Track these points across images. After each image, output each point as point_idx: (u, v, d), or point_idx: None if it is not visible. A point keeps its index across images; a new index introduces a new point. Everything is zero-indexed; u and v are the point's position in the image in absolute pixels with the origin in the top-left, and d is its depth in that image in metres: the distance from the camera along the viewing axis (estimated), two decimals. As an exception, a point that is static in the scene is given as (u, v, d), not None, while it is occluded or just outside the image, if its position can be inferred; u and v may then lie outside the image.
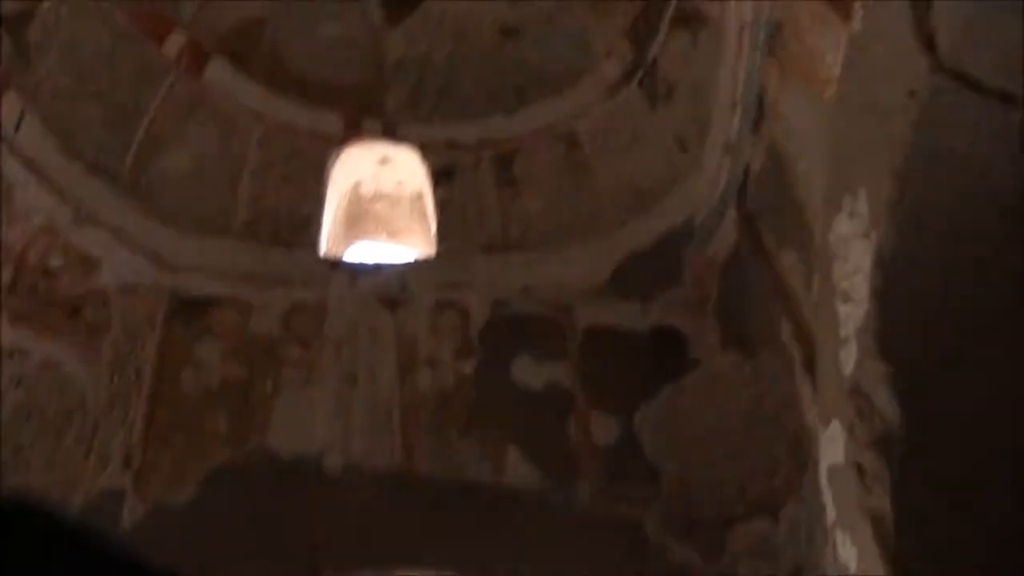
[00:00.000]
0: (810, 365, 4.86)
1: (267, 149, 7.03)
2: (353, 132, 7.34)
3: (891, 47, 2.95)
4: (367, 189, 7.64)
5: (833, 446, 4.17)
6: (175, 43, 6.83)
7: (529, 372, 6.28)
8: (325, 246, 7.02)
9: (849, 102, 3.47)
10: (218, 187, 6.85)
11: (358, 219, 7.61)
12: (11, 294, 5.73)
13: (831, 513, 4.29)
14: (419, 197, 7.54)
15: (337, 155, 7.26)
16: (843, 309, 3.86)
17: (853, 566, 3.92)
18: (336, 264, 6.80)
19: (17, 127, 5.82)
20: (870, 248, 3.53)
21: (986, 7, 2.47)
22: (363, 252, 7.45)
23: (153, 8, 6.74)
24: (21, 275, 5.81)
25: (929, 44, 2.70)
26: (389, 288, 6.60)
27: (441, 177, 7.25)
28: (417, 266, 6.86)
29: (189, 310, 6.24)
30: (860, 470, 3.79)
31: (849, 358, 3.88)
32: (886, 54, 3.01)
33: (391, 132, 7.41)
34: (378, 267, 6.83)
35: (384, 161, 7.50)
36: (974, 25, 2.53)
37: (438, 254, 7.00)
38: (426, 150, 7.34)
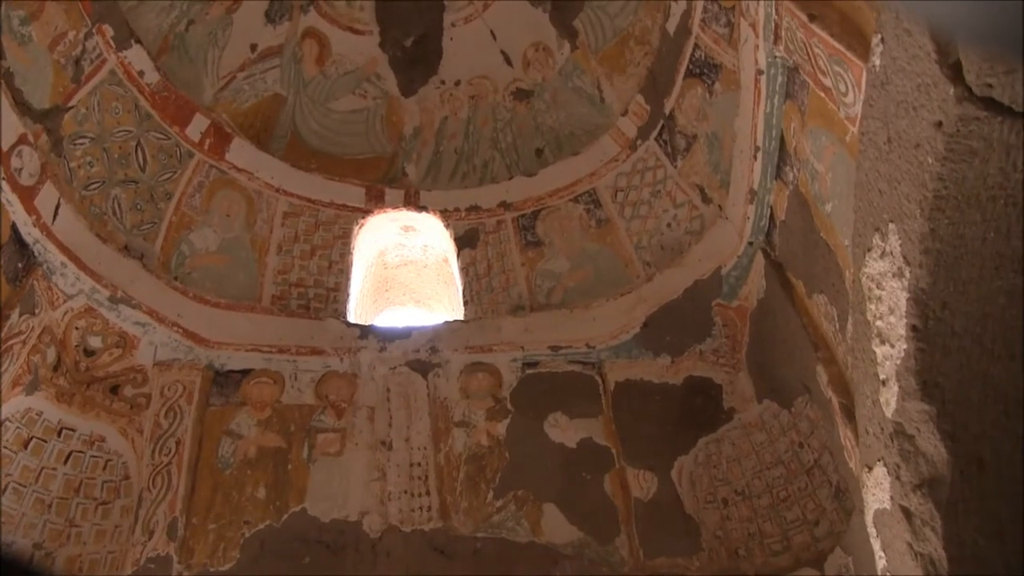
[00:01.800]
0: (849, 410, 4.78)
1: (292, 224, 7.15)
2: (376, 202, 7.44)
3: (914, 80, 2.95)
4: (392, 257, 7.71)
5: (878, 491, 4.07)
6: (198, 126, 7.01)
7: (563, 430, 6.25)
8: (354, 315, 7.07)
9: (873, 139, 3.45)
10: (246, 263, 6.96)
11: (385, 287, 7.67)
12: (55, 374, 5.85)
13: (880, 560, 4.18)
14: (444, 262, 7.59)
15: (361, 225, 7.35)
16: (880, 350, 3.79)
17: (906, 614, 3.80)
18: (366, 331, 6.83)
19: (54, 216, 5.97)
20: (904, 286, 3.47)
21: (1012, 30, 2.48)
22: (391, 320, 7.48)
23: (176, 93, 6.91)
24: (64, 356, 5.94)
25: (955, 73, 2.69)
26: (419, 353, 6.62)
27: (465, 241, 7.31)
28: (446, 330, 6.87)
29: (225, 383, 6.32)
30: (908, 514, 3.68)
31: (890, 400, 3.81)
32: (909, 87, 3.00)
33: (413, 200, 7.51)
34: (407, 333, 6.85)
35: (408, 229, 7.58)
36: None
37: (466, 317, 7.02)
38: (449, 216, 7.42)
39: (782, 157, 5.30)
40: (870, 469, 4.26)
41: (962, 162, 2.87)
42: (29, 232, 5.75)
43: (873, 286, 3.84)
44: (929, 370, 3.57)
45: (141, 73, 6.71)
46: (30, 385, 5.70)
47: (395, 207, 7.49)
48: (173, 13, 6.95)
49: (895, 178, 3.33)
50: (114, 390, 6.11)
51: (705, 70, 6.16)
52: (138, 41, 6.70)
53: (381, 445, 6.15)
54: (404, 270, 7.73)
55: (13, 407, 5.58)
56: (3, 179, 5.52)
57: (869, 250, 3.83)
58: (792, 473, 5.71)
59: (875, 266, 3.77)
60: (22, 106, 5.77)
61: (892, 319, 3.68)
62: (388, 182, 7.58)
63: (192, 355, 6.35)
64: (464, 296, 7.15)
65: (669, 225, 6.80)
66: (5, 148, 5.56)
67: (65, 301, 5.99)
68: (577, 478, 6.02)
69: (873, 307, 3.88)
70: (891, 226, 3.50)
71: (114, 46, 6.51)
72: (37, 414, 5.74)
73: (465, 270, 7.23)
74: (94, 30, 6.33)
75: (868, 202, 3.70)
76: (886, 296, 3.69)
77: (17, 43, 5.73)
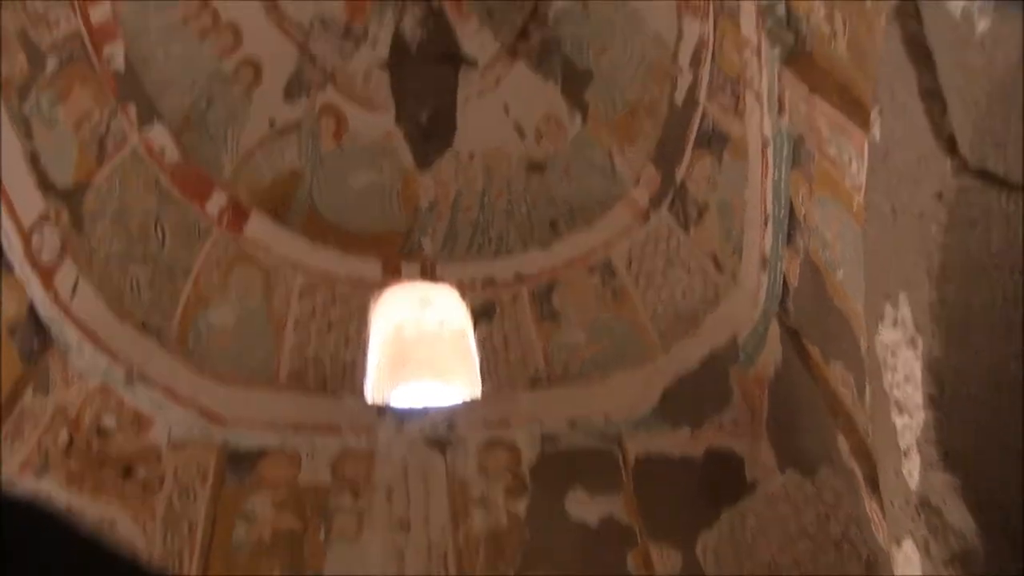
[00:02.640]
0: (873, 480, 4.68)
1: (309, 299, 7.17)
2: (392, 276, 7.47)
3: (913, 152, 2.94)
4: (409, 331, 7.71)
5: (909, 566, 3.96)
6: (217, 202, 7.10)
7: (584, 507, 6.14)
8: (371, 390, 7.04)
9: (878, 209, 3.44)
10: (263, 339, 6.97)
11: (402, 361, 7.65)
12: (66, 456, 5.82)
13: (917, 638, 4.05)
14: (461, 336, 7.58)
15: (378, 300, 7.37)
16: (899, 420, 3.72)
17: None
18: (383, 409, 6.80)
19: (72, 294, 6.02)
20: (918, 355, 3.43)
21: (1000, 102, 2.47)
22: (409, 394, 7.45)
23: (196, 169, 7.03)
24: (76, 437, 5.91)
25: (950, 146, 2.69)
26: (437, 430, 6.58)
27: (481, 315, 7.31)
28: (463, 406, 6.83)
29: (240, 462, 6.26)
30: (940, 589, 3.57)
31: (913, 471, 3.72)
32: (909, 159, 3.00)
33: (429, 273, 7.54)
34: (425, 410, 6.81)
35: (424, 303, 7.60)
36: (992, 121, 2.53)
37: (484, 392, 6.98)
38: (465, 289, 7.43)
39: (792, 225, 5.29)
40: (899, 544, 4.14)
41: (965, 232, 2.84)
42: (47, 310, 5.78)
43: (888, 355, 3.79)
44: (950, 439, 3.50)
45: (162, 150, 6.85)
46: (40, 468, 5.65)
47: (412, 280, 7.52)
48: (195, 91, 7.13)
49: (902, 247, 3.30)
50: (127, 471, 6.01)
51: (714, 139, 6.20)
52: (160, 119, 6.85)
53: (399, 526, 6.06)
54: (421, 343, 7.72)
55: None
56: (24, 258, 5.58)
57: (881, 318, 3.78)
58: (820, 547, 5.56)
59: (888, 335, 3.72)
60: (46, 185, 5.87)
61: (909, 388, 3.62)
62: (405, 255, 7.63)
63: (207, 434, 6.31)
64: (481, 369, 7.11)
65: (684, 294, 6.77)
66: (27, 227, 5.63)
67: (80, 380, 5.98)
68: (600, 557, 5.91)
69: (889, 376, 3.81)
70: (901, 295, 3.46)
71: (137, 124, 6.65)
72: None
73: (482, 343, 7.20)
74: (119, 109, 6.48)
75: (877, 271, 3.68)
76: (901, 365, 3.64)
77: (45, 125, 5.87)
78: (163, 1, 6.82)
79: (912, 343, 3.46)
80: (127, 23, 6.54)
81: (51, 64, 5.85)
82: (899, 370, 3.64)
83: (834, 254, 4.80)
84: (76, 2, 6.05)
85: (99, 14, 6.29)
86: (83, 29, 6.15)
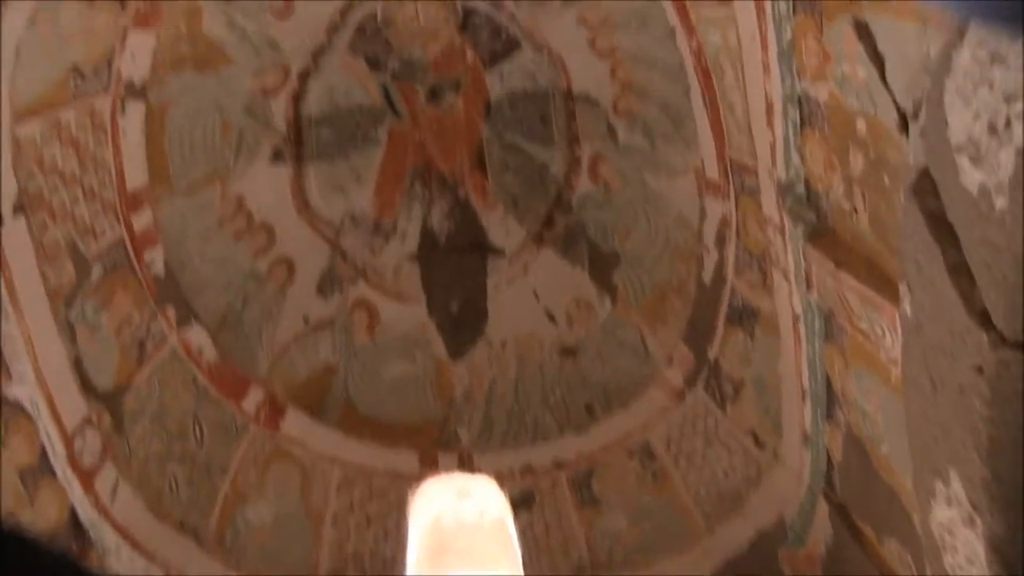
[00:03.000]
0: (942, 667, 4.43)
1: (347, 493, 7.11)
2: (429, 468, 7.40)
3: (946, 326, 2.94)
4: (448, 522, 7.54)
5: None
6: (253, 399, 7.17)
7: None
8: (411, 585, 6.87)
9: (917, 384, 3.40)
10: (301, 536, 6.88)
11: (441, 553, 7.44)
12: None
13: None
14: (501, 526, 7.41)
15: (415, 492, 7.28)
16: (966, 603, 3.56)
17: None
18: (423, 603, 6.60)
19: (112, 496, 6.02)
20: (978, 535, 3.30)
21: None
22: (450, 587, 7.24)
23: (233, 367, 7.13)
24: (112, 644, 5.77)
25: (984, 320, 2.69)
26: (480, 622, 6.35)
27: (521, 504, 7.18)
28: (506, 601, 6.62)
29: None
30: None
31: (983, 654, 3.54)
32: (943, 333, 2.99)
33: (467, 464, 7.47)
34: (465, 608, 6.60)
35: (462, 494, 7.47)
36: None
37: (526, 583, 6.78)
38: (503, 478, 7.31)
39: (830, 399, 5.24)
40: None
41: (1010, 405, 2.80)
42: (87, 514, 5.74)
43: (945, 534, 3.66)
44: (1023, 621, 3.33)
45: (200, 350, 6.96)
46: None
47: (449, 472, 7.44)
48: (230, 291, 7.30)
49: (946, 423, 3.25)
50: None
51: (744, 316, 6.25)
52: (198, 320, 7.01)
53: None
54: (461, 534, 7.52)
55: None
56: (66, 463, 5.61)
57: (933, 496, 3.68)
58: None
59: (943, 513, 3.60)
60: (88, 389, 5.96)
61: (973, 570, 3.48)
62: (441, 446, 7.59)
63: (245, 637, 6.17)
64: (523, 559, 6.93)
65: (726, 473, 6.66)
66: (70, 431, 5.69)
67: (117, 585, 5.91)
68: None
69: (949, 558, 3.67)
70: (951, 471, 3.38)
71: (176, 326, 6.80)
72: None
73: (523, 532, 7.04)
74: (158, 312, 6.65)
75: (923, 447, 3.60)
76: (961, 546, 3.51)
77: (89, 331, 6.01)
78: (200, 205, 7.11)
79: (970, 522, 3.34)
80: (167, 229, 6.80)
81: (96, 272, 6.05)
82: (960, 551, 3.51)
83: (877, 428, 4.72)
84: (120, 211, 6.33)
85: (141, 222, 6.56)
86: (126, 237, 6.40)
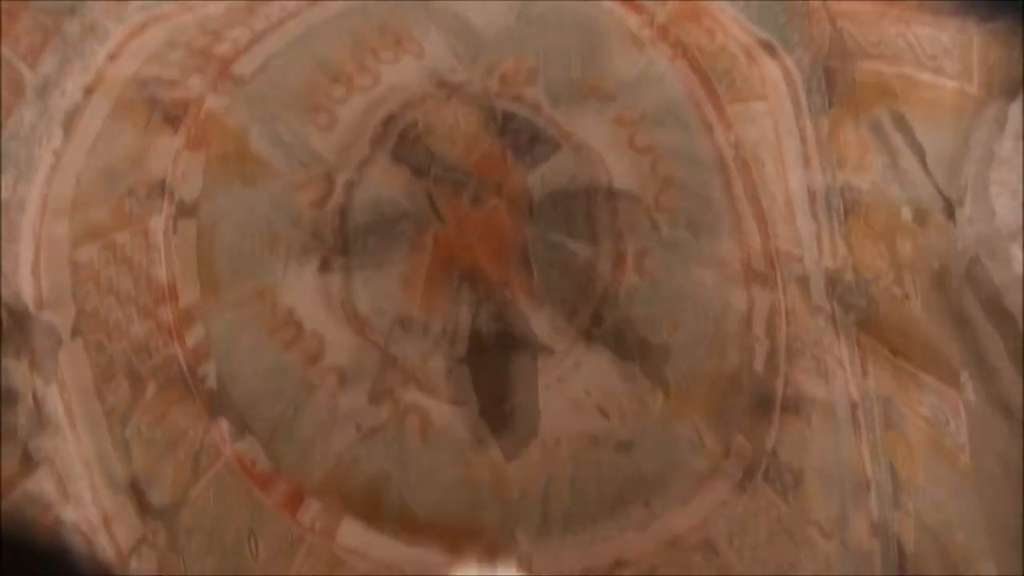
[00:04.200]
0: None
1: (406, 601, 7.00)
2: (489, 571, 7.29)
3: (1013, 412, 2.88)
4: (510, 628, 7.41)
5: None
6: (308, 510, 7.13)
7: None
8: None
9: (989, 471, 3.32)
10: (360, 649, 6.76)
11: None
12: None
13: None
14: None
15: (474, 598, 7.17)
16: None
17: None
18: None
19: (166, 618, 5.98)
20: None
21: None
22: None
23: (286, 479, 7.11)
24: None
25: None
26: None
27: (585, 607, 7.04)
28: None
29: None
30: None
31: None
32: (1009, 418, 2.93)
33: (526, 567, 7.33)
34: None
35: (522, 602, 7.36)
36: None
37: None
38: (565, 581, 7.21)
39: (897, 487, 5.10)
40: None
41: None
42: (143, 634, 5.74)
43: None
44: None
45: (253, 462, 6.97)
46: None
47: (509, 574, 7.31)
48: (282, 401, 7.34)
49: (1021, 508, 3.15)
50: None
51: (800, 404, 6.14)
52: (251, 432, 7.04)
53: None
54: (522, 641, 7.39)
55: None
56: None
57: (1015, 584, 3.54)
58: None
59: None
60: (144, 506, 5.98)
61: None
62: (500, 550, 7.46)
63: None
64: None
65: (792, 565, 6.44)
66: (126, 552, 5.69)
67: None
68: None
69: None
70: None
71: (229, 439, 6.84)
72: None
73: (585, 635, 6.89)
74: (212, 425, 6.70)
75: (1004, 535, 3.49)
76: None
77: (144, 447, 6.07)
78: (251, 317, 7.22)
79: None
80: (218, 342, 6.90)
81: (151, 389, 6.14)
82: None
83: (950, 515, 4.57)
84: (173, 328, 6.45)
85: (193, 337, 6.67)
86: (180, 352, 6.50)
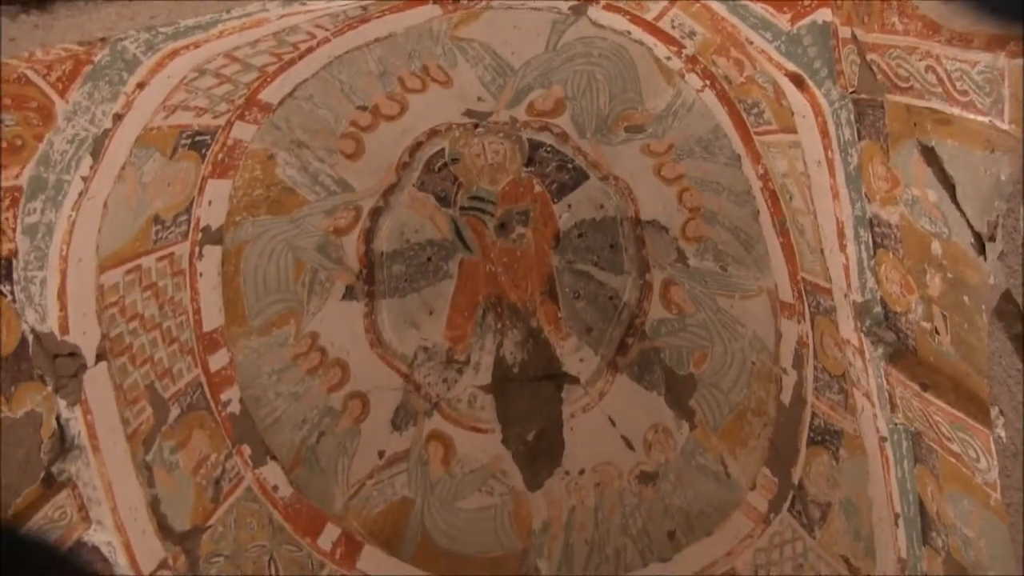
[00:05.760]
0: None
1: (428, 634, 6.96)
2: (508, 603, 7.25)
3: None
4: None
5: None
6: (329, 536, 7.12)
7: None
8: None
9: (1021, 508, 3.24)
10: None
11: None
12: None
13: None
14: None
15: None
16: None
17: None
18: None
19: (187, 645, 5.98)
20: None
21: None
22: None
23: (308, 504, 7.11)
24: None
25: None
26: None
27: (606, 640, 6.96)
28: None
29: None
30: None
31: None
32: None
33: (548, 598, 7.29)
34: None
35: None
36: None
37: None
38: (585, 613, 7.14)
39: (925, 522, 5.01)
40: None
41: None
42: (162, 658, 5.73)
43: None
44: None
45: (275, 488, 6.97)
46: None
47: (529, 606, 7.27)
48: (305, 428, 7.35)
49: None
50: None
51: (827, 437, 6.07)
52: (273, 457, 7.04)
53: None
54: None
55: None
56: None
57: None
58: None
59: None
60: (165, 530, 5.98)
61: None
62: (523, 579, 7.42)
63: None
64: None
65: (818, 600, 6.36)
66: (146, 575, 5.69)
67: None
68: None
69: None
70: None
71: (251, 464, 6.84)
72: None
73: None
74: (234, 451, 6.70)
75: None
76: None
77: (166, 471, 6.07)
78: (275, 343, 7.23)
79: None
80: (242, 368, 6.92)
81: (174, 413, 6.15)
82: None
83: (980, 554, 4.48)
84: (197, 353, 6.47)
85: (217, 362, 6.69)
86: (203, 378, 6.52)
